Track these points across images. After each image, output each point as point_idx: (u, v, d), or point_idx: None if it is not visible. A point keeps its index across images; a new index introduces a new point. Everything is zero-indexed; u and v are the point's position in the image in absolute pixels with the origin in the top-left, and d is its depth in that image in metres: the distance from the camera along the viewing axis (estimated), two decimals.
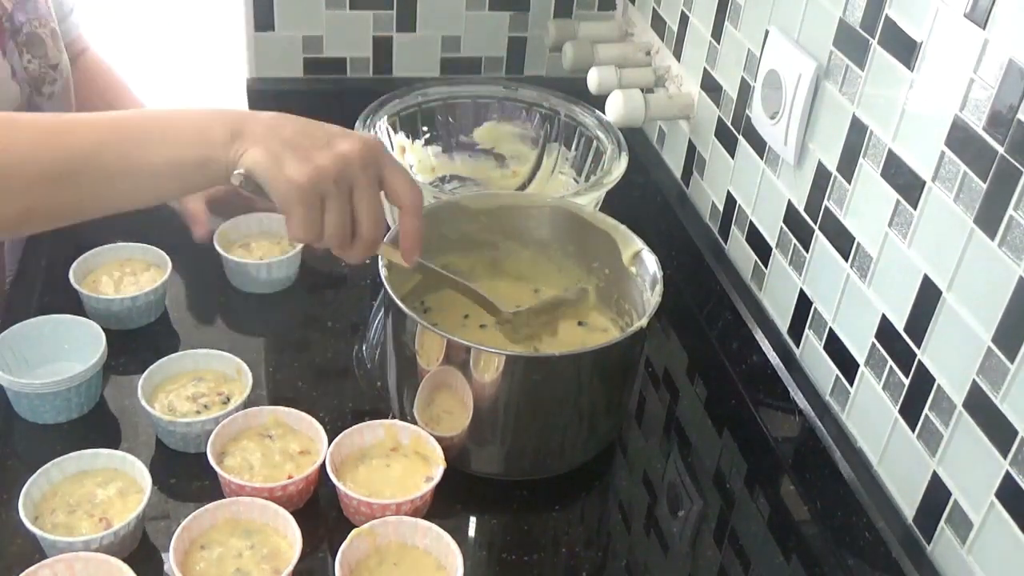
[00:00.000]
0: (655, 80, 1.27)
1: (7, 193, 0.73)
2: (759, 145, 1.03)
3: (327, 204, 0.76)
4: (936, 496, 0.78)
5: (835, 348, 0.91)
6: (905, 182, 0.80)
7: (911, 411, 0.81)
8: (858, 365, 0.88)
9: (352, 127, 1.12)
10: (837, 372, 0.91)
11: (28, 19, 1.03)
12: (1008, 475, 0.70)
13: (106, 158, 0.75)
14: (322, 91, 1.39)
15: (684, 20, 1.20)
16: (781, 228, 1.00)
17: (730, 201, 1.11)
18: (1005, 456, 0.70)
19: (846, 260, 0.89)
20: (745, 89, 1.06)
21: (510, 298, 1.03)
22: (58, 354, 0.95)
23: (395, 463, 0.88)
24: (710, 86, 1.15)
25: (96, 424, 0.94)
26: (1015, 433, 0.69)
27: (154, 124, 0.76)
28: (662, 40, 1.27)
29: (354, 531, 0.80)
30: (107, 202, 0.77)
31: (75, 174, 0.74)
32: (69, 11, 1.21)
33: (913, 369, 0.80)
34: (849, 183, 0.88)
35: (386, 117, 1.17)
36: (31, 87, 1.05)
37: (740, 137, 1.08)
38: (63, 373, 0.91)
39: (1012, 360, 0.69)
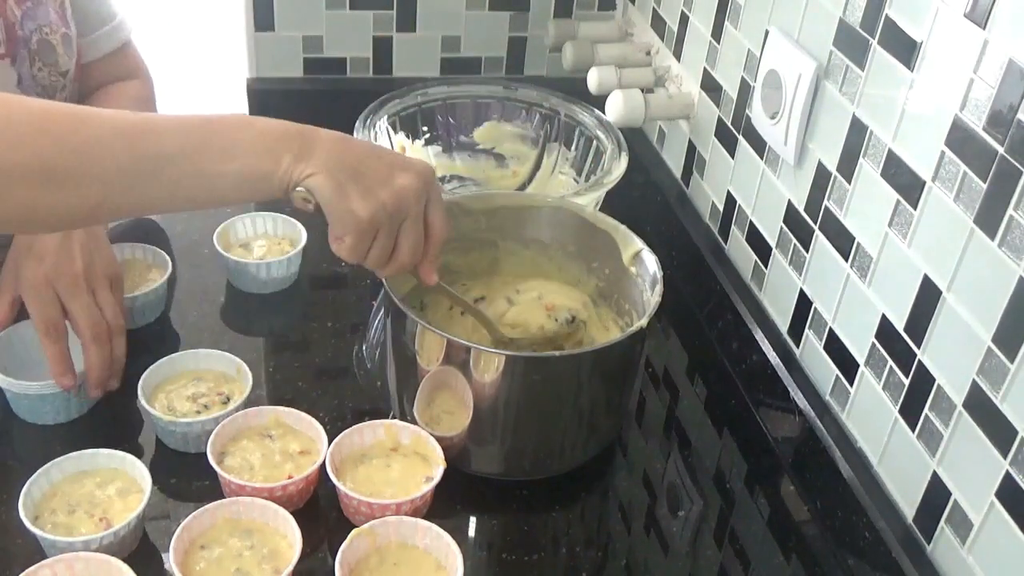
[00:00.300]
0: (655, 80, 1.27)
1: (82, 180, 0.72)
2: (759, 145, 1.03)
3: (378, 235, 0.78)
4: (936, 496, 0.78)
5: (835, 348, 0.91)
6: (905, 182, 0.80)
7: (911, 411, 0.81)
8: (858, 365, 0.88)
9: (352, 127, 1.12)
10: (837, 372, 0.91)
11: (38, 26, 1.02)
12: (1008, 475, 0.70)
13: (180, 162, 0.75)
14: (322, 91, 1.39)
15: (684, 20, 1.20)
16: (781, 228, 1.00)
17: (730, 201, 1.11)
18: (1005, 456, 0.70)
19: (846, 260, 0.89)
20: (745, 89, 1.06)
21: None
22: None
23: (395, 463, 0.88)
24: (710, 86, 1.15)
25: (96, 424, 0.94)
26: (1015, 433, 0.69)
27: (223, 133, 0.77)
28: (662, 40, 1.27)
29: (354, 531, 0.80)
30: (172, 202, 0.78)
31: (149, 174, 0.74)
32: (102, 22, 1.14)
33: (913, 369, 0.80)
34: (849, 183, 0.88)
35: (386, 117, 1.17)
36: (42, 95, 1.03)
37: (740, 137, 1.08)
38: None
39: (1012, 360, 0.69)
